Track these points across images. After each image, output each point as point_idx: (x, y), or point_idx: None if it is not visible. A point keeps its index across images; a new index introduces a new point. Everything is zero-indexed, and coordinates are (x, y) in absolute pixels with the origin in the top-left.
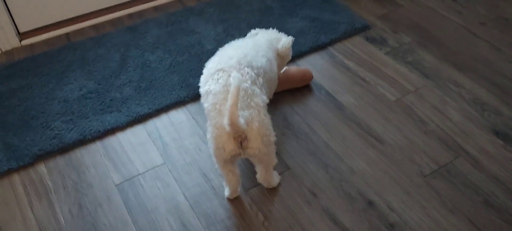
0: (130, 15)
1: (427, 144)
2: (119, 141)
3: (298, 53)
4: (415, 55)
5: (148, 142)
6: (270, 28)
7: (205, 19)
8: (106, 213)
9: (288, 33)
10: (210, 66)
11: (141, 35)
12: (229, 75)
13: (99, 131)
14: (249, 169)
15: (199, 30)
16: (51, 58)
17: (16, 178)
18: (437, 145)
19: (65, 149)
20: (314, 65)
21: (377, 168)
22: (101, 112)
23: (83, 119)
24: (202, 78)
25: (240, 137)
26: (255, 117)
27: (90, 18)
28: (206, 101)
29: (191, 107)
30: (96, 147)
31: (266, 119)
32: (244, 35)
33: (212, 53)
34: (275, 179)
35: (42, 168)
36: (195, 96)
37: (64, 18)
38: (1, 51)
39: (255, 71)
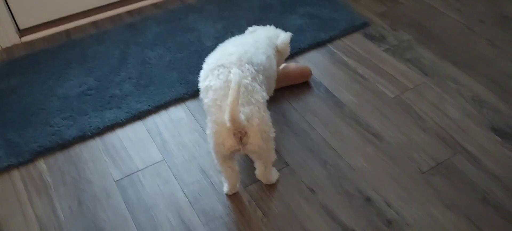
0: (129, 12)
1: (425, 141)
2: (119, 138)
3: (297, 50)
4: (414, 53)
5: (147, 139)
6: (268, 25)
7: (204, 16)
8: (106, 209)
9: (287, 30)
10: (210, 61)
11: (140, 32)
12: (230, 72)
13: (99, 128)
14: (248, 165)
15: (199, 28)
16: (51, 55)
17: (16, 174)
18: (435, 142)
19: (64, 145)
20: (313, 62)
21: (376, 164)
22: (101, 109)
23: (83, 116)
24: (202, 73)
25: (240, 133)
26: (255, 113)
27: (90, 15)
28: (206, 97)
29: (191, 104)
30: (96, 143)
31: (266, 115)
32: (244, 32)
33: (211, 50)
34: (274, 175)
35: (42, 164)
36: (195, 93)
37: (64, 15)
38: (1, 48)
39: (255, 68)
